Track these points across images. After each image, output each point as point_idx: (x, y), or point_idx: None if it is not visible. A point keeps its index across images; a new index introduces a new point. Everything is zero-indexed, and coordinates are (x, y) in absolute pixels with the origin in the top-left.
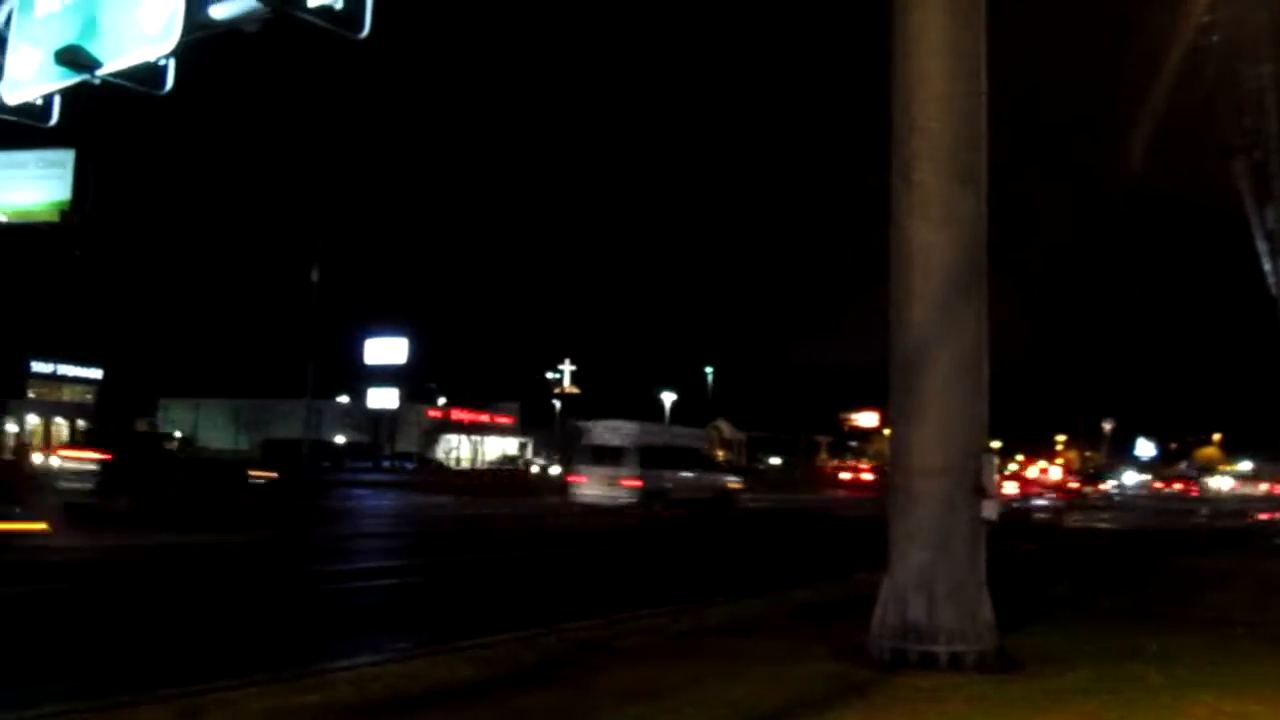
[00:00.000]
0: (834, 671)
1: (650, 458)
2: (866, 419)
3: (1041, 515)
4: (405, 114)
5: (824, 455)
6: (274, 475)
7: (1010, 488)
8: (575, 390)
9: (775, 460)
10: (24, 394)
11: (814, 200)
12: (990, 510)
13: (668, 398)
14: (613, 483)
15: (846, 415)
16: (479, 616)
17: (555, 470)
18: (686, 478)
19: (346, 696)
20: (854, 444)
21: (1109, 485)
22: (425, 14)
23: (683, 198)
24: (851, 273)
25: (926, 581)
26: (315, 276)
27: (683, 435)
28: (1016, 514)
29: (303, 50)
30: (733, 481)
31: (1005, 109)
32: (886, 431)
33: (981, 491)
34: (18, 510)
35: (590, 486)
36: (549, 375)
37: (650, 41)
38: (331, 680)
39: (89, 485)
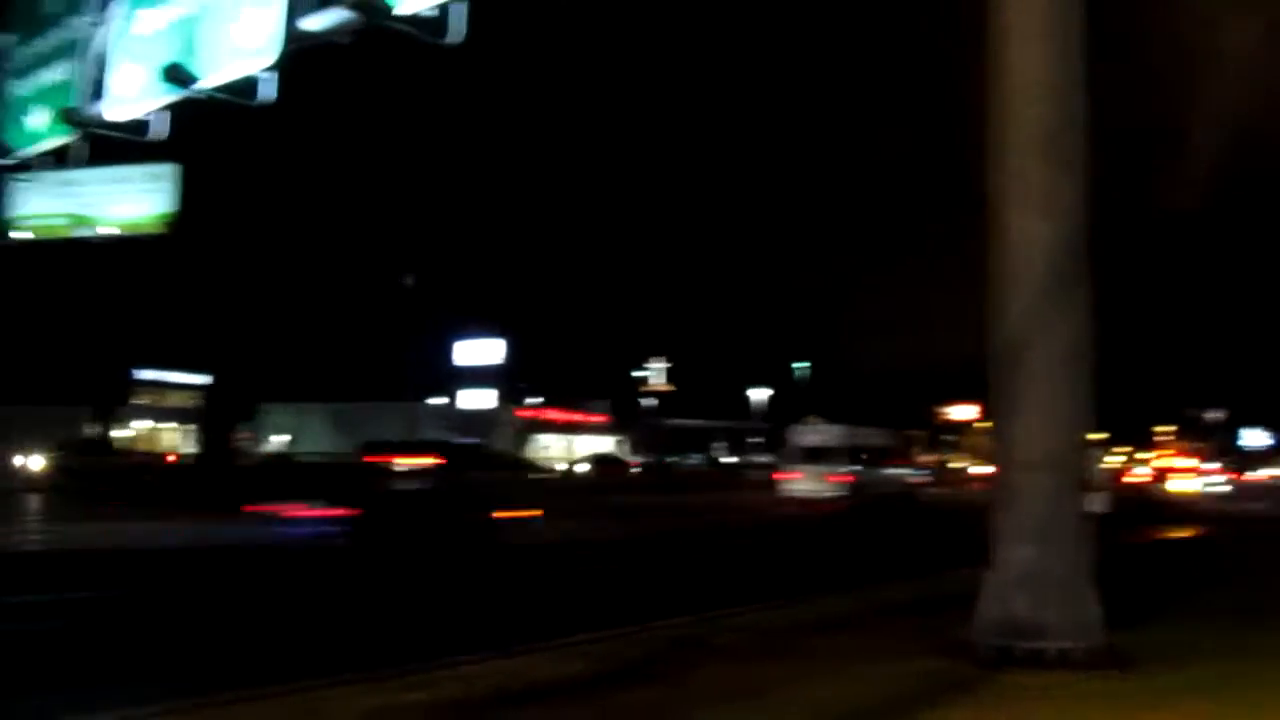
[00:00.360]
0: (935, 669)
1: (856, 456)
2: (962, 412)
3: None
4: (495, 115)
5: (917, 450)
6: None
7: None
8: (668, 387)
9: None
10: (127, 400)
11: (906, 192)
12: (1096, 503)
13: (761, 394)
14: (823, 478)
15: (940, 409)
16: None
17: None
18: (883, 474)
19: (452, 693)
20: (949, 438)
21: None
22: (515, 17)
23: (774, 193)
24: (946, 264)
25: (1030, 576)
26: (410, 281)
27: (875, 435)
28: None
29: (395, 57)
30: (918, 477)
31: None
32: (981, 425)
33: (1087, 484)
34: None
35: (802, 482)
36: (640, 373)
37: (738, 37)
38: (437, 677)
39: None
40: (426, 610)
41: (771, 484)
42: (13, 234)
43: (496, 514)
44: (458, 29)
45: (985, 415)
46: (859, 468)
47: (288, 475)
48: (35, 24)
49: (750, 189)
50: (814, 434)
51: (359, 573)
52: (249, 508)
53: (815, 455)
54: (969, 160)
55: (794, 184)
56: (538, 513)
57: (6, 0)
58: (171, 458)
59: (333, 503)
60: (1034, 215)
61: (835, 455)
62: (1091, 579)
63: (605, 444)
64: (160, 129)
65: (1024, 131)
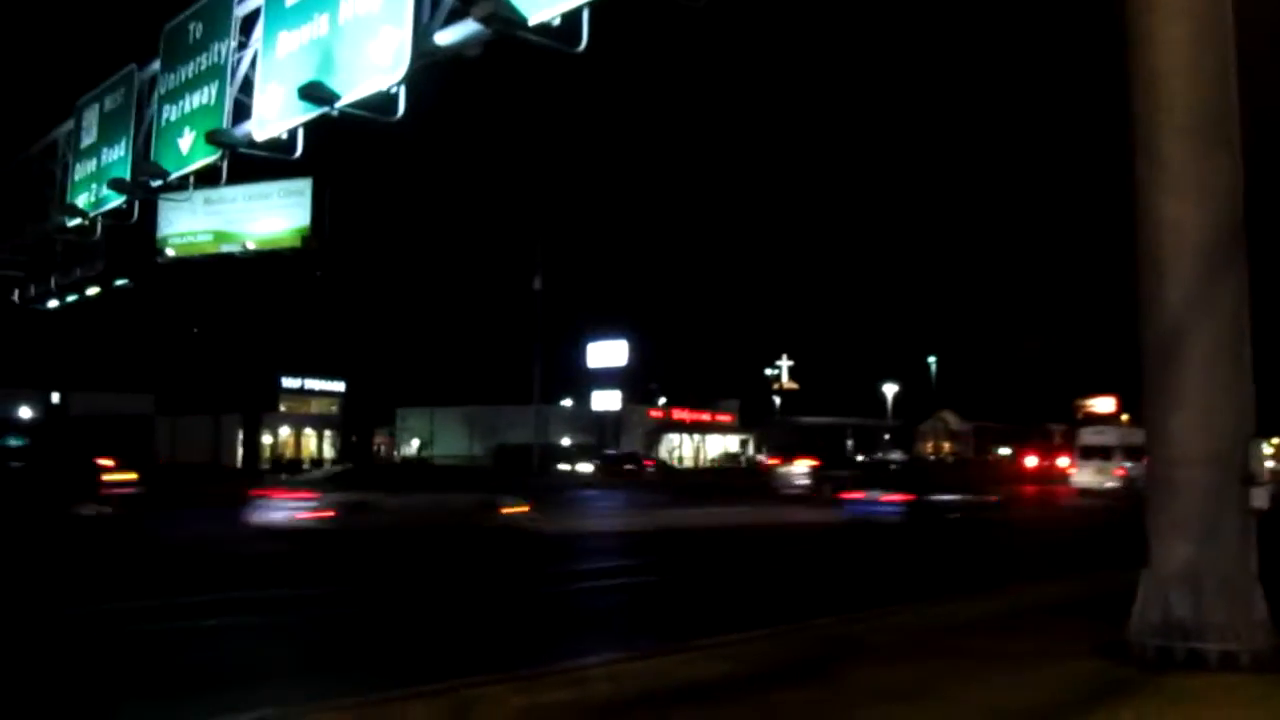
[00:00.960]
0: (1093, 670)
1: (1131, 453)
2: (1103, 405)
3: None
4: (620, 119)
5: (1058, 443)
6: None
7: None
8: (794, 386)
9: (1004, 451)
10: (276, 407)
11: (1042, 181)
12: (1261, 499)
13: (889, 389)
14: (1105, 472)
15: (1081, 402)
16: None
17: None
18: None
19: (601, 693)
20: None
21: None
22: (641, 23)
23: (899, 188)
24: (1085, 254)
25: (1191, 576)
26: (538, 285)
27: (1138, 435)
28: None
29: (521, 64)
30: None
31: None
32: (1125, 418)
33: (1251, 479)
34: None
35: (1083, 475)
36: (768, 371)
37: (855, 38)
38: (585, 676)
39: None
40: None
41: None
42: (165, 252)
43: None
44: (586, 37)
45: (1125, 407)
46: (1129, 464)
47: None
48: (183, 52)
49: (877, 185)
50: (1095, 435)
51: None
52: None
53: (1095, 453)
54: (1105, 149)
55: (921, 178)
56: None
57: (155, 30)
58: None
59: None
60: (1188, 200)
61: (1115, 452)
62: (1257, 578)
63: (733, 443)
64: (300, 147)
65: (1176, 114)
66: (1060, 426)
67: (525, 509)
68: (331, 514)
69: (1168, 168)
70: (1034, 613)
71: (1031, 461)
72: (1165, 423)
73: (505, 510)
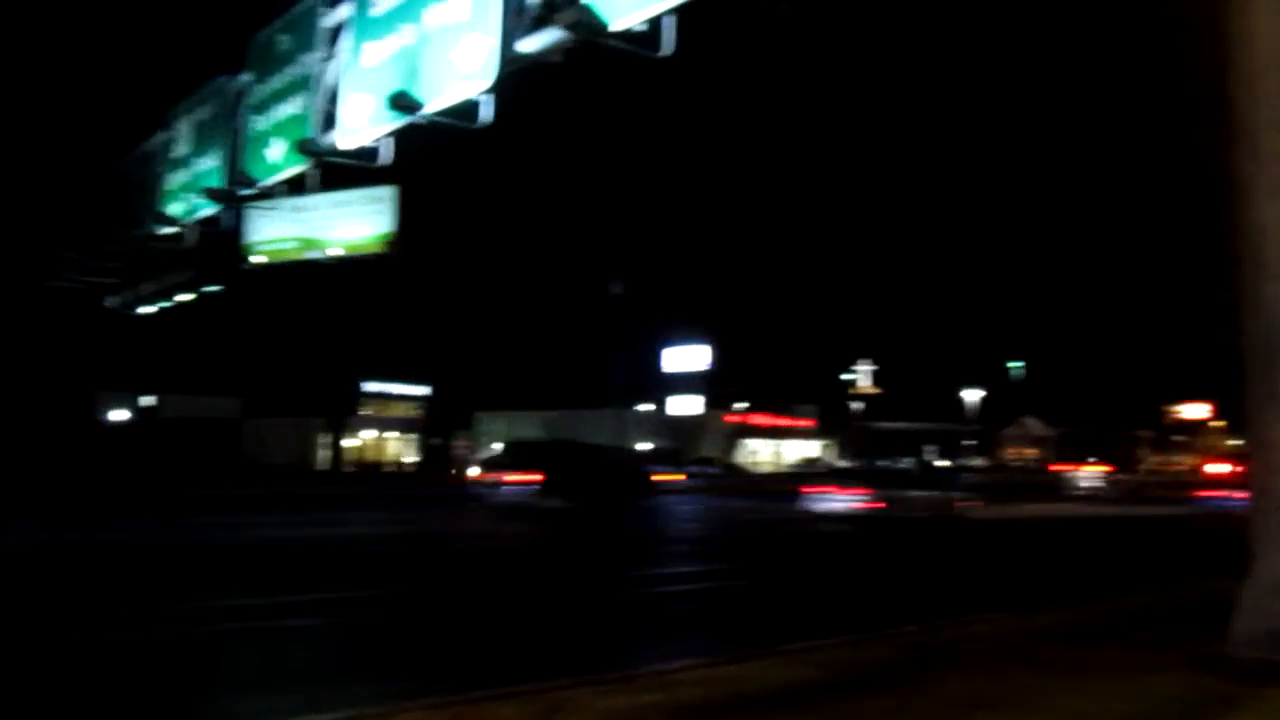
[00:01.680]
0: (1190, 682)
1: None
2: (1193, 411)
3: None
4: (700, 122)
5: (1145, 451)
6: None
7: None
8: (875, 390)
9: (1091, 458)
10: (359, 411)
11: (1127, 181)
12: None
13: (973, 395)
14: None
15: (1170, 408)
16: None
17: None
18: None
19: (689, 697)
20: (1179, 438)
21: None
22: (723, 28)
23: (984, 191)
24: (1175, 255)
25: None
26: (617, 289)
27: None
28: None
29: (602, 67)
30: None
31: None
32: (1216, 424)
33: None
34: None
35: None
36: (847, 376)
37: (938, 38)
38: (672, 680)
39: None
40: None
41: None
42: (251, 259)
43: None
44: (669, 42)
45: (1220, 413)
46: None
47: None
48: (271, 62)
49: (962, 187)
50: None
51: None
52: None
53: None
54: (1198, 147)
55: (1007, 181)
56: None
57: (245, 41)
58: None
59: None
60: None
61: None
62: None
63: (812, 448)
64: (386, 155)
65: (1274, 113)
66: (1148, 433)
67: (975, 503)
68: (883, 505)
69: (1271, 168)
70: (1131, 622)
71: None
72: (1269, 428)
73: (959, 503)
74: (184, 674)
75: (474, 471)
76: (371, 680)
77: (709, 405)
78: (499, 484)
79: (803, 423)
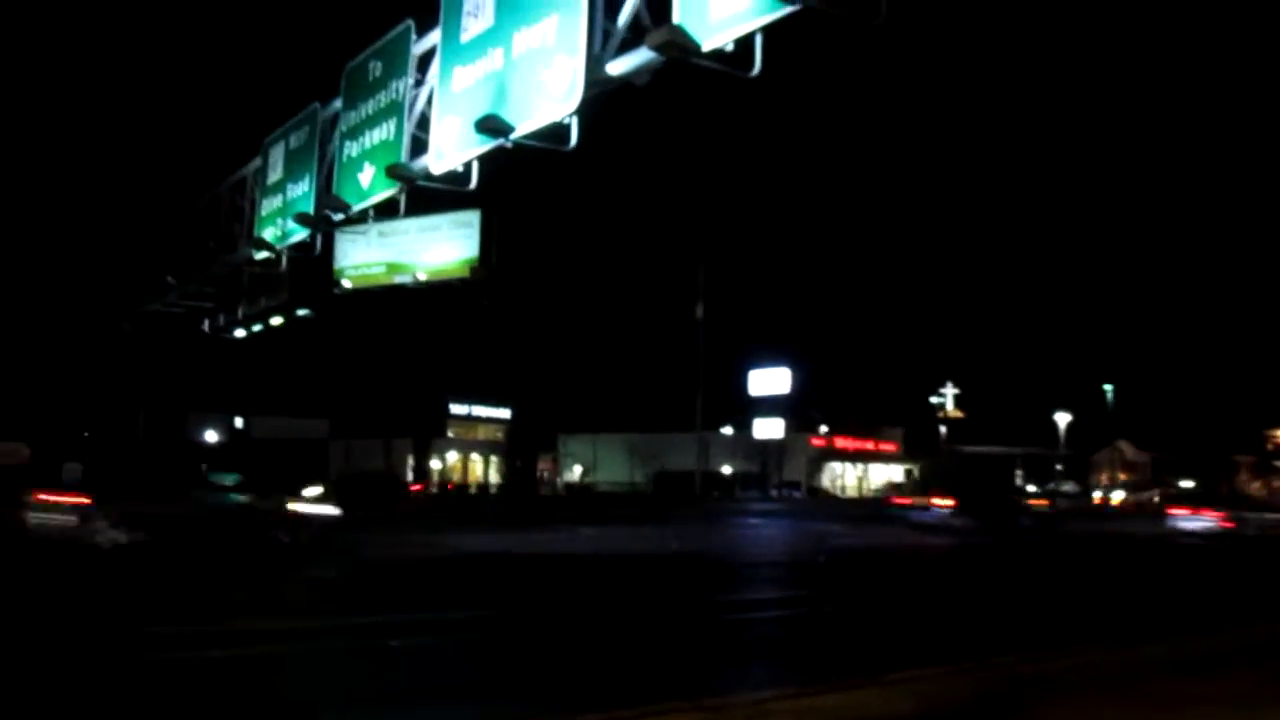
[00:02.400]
0: None
1: None
2: None
3: None
4: (782, 143)
5: (1245, 476)
6: None
7: None
8: (960, 414)
9: (1186, 483)
10: (445, 433)
11: (1227, 202)
12: None
13: (1062, 418)
14: None
15: (1272, 432)
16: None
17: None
18: None
19: None
20: None
21: None
22: (809, 47)
23: (1074, 214)
24: (1274, 277)
25: None
26: (700, 312)
27: None
28: None
29: (682, 88)
30: None
31: None
32: None
33: None
34: None
35: None
36: (933, 399)
37: (1030, 56)
38: (767, 710)
39: None
40: None
41: None
42: (342, 283)
43: None
44: (757, 61)
45: None
46: None
47: None
48: (363, 90)
49: (1050, 210)
50: None
51: None
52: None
53: None
54: None
55: (1097, 203)
56: None
57: (337, 70)
58: None
59: None
60: None
61: None
62: None
63: (897, 473)
64: (474, 178)
65: None
66: (1247, 458)
67: None
68: (1233, 525)
69: None
70: (1246, 655)
71: None
72: None
73: None
74: None
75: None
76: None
77: (792, 428)
78: (927, 506)
79: (887, 446)
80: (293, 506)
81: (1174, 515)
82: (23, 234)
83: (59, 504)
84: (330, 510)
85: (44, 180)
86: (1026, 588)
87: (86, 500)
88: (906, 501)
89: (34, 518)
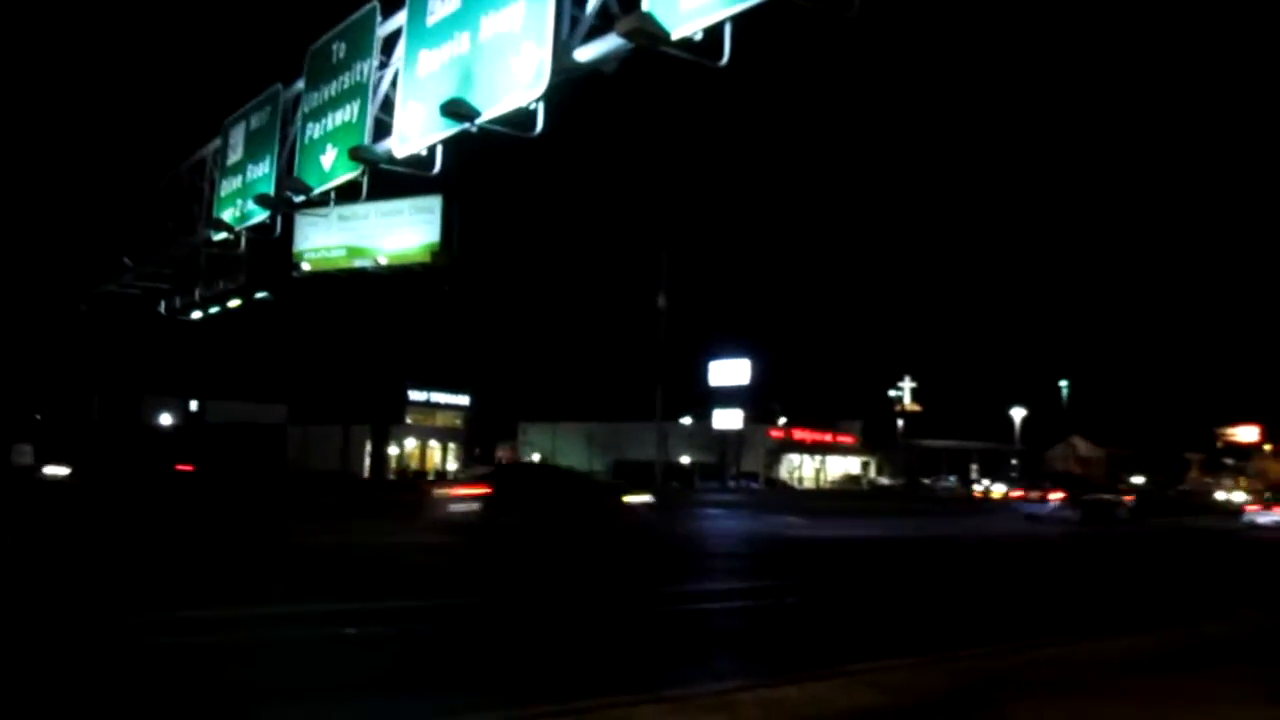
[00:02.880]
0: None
1: None
2: (1246, 434)
3: None
4: (743, 135)
5: (1195, 474)
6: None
7: None
8: (917, 408)
9: (1137, 479)
10: (404, 420)
11: (1181, 198)
12: None
13: (1018, 413)
14: None
15: (1222, 430)
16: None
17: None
18: None
19: (753, 718)
20: (1230, 461)
21: None
22: (771, 37)
23: (1028, 207)
24: (1227, 277)
25: None
26: (662, 303)
27: None
28: None
29: (645, 78)
30: None
31: None
32: (1268, 447)
33: None
34: None
35: None
36: (891, 393)
37: (989, 52)
38: (732, 701)
39: None
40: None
41: None
42: (301, 266)
43: None
44: (726, 50)
45: (1269, 436)
46: None
47: None
48: (326, 71)
49: (1005, 203)
50: None
51: None
52: None
53: None
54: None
55: (1053, 197)
56: None
57: (300, 51)
58: None
59: None
60: None
61: None
62: None
63: (854, 465)
64: (438, 163)
65: None
66: (1198, 455)
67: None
68: None
69: None
70: (1202, 652)
71: None
72: None
73: None
74: None
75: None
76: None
77: (751, 420)
78: (1044, 501)
79: (845, 439)
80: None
81: (1250, 512)
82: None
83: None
84: (647, 498)
85: None
86: (1103, 574)
87: (1064, 495)
88: (1032, 495)
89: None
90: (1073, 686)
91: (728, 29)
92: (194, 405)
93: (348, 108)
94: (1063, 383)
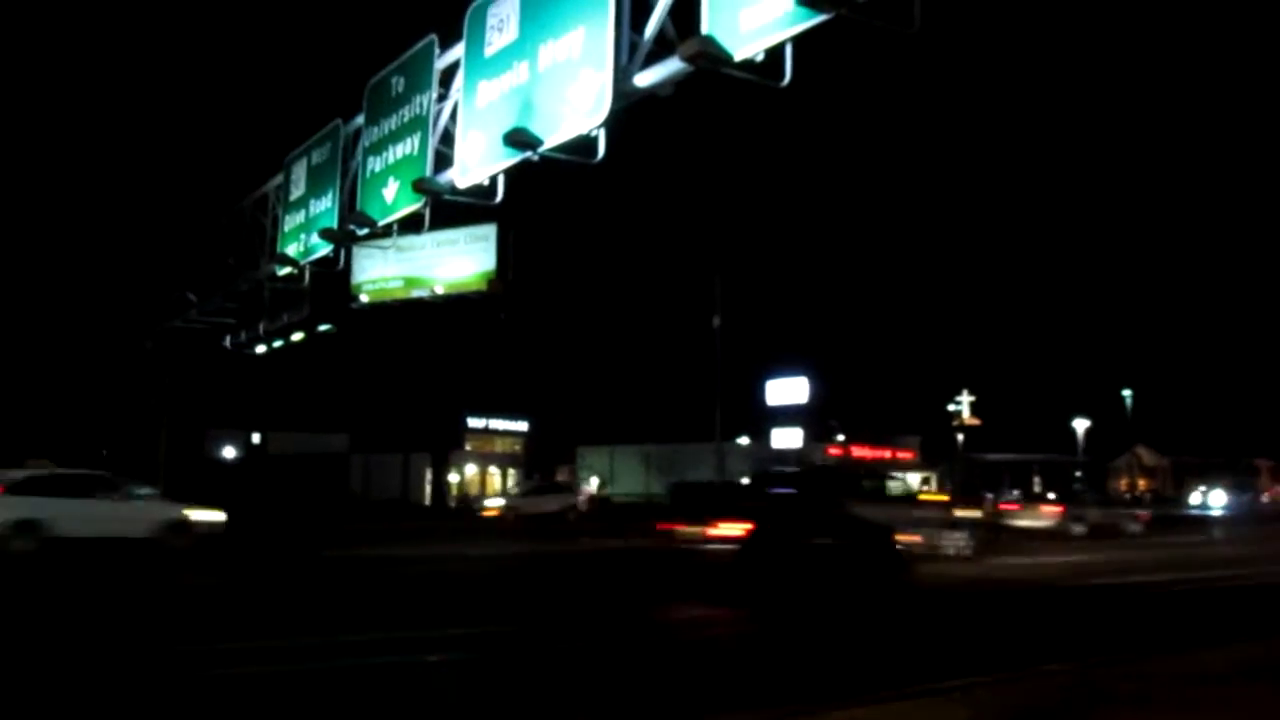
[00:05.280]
0: None
1: None
2: None
3: None
4: (799, 154)
5: (1265, 480)
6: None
7: None
8: (976, 421)
9: (1202, 488)
10: (463, 446)
11: (1245, 198)
12: None
13: (1080, 425)
14: None
15: None
16: None
17: None
18: None
19: None
20: None
21: None
22: (824, 55)
23: (1084, 215)
24: None
25: None
26: (717, 322)
27: None
28: None
29: (699, 101)
30: None
31: None
32: None
33: None
34: None
35: None
36: (950, 407)
37: (1057, 70)
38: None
39: None
40: None
41: None
42: (360, 298)
43: None
44: (788, 70)
45: None
46: None
47: None
48: (385, 105)
49: (1065, 216)
50: None
51: None
52: None
53: None
54: None
55: (1114, 207)
56: None
57: (359, 87)
58: None
59: None
60: None
61: None
62: None
63: (914, 481)
64: (499, 192)
65: None
66: (1268, 462)
67: None
68: None
69: None
70: None
71: None
72: None
73: None
74: None
75: None
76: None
77: (810, 438)
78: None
79: (904, 454)
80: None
81: None
82: (47, 253)
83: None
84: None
85: (67, 199)
86: None
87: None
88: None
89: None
90: (1167, 698)
91: (789, 49)
92: (256, 438)
93: (408, 140)
94: (1126, 392)
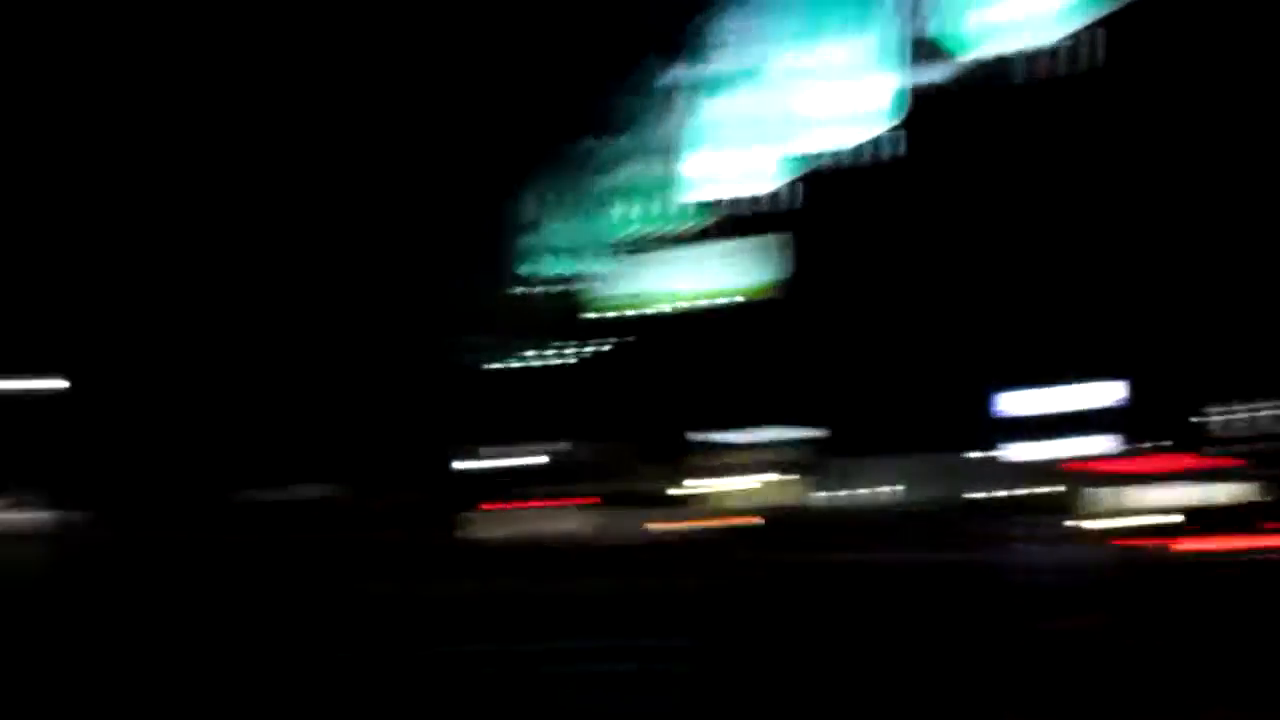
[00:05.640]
0: None
1: None
2: None
3: None
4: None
5: None
6: None
7: None
8: None
9: None
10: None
11: None
12: None
13: None
14: None
15: None
16: None
17: None
18: None
19: None
20: None
21: None
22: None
23: None
24: None
25: None
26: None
27: None
28: None
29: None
30: None
31: None
32: None
33: None
34: None
35: None
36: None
37: None
38: None
39: None
40: None
41: None
42: (627, 310)
43: None
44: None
45: None
46: None
47: None
48: (635, 122)
49: None
50: None
51: None
52: None
53: None
54: None
55: None
56: None
57: (606, 105)
58: None
59: None
60: None
61: None
62: None
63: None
64: (778, 202)
65: None
66: None
67: None
68: None
69: None
70: None
71: None
72: None
73: None
74: None
75: None
76: None
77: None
78: None
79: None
80: None
81: None
82: (324, 287)
83: None
84: None
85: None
86: None
87: None
88: None
89: None
90: None
91: (1099, 35)
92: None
93: (655, 158)
94: None
